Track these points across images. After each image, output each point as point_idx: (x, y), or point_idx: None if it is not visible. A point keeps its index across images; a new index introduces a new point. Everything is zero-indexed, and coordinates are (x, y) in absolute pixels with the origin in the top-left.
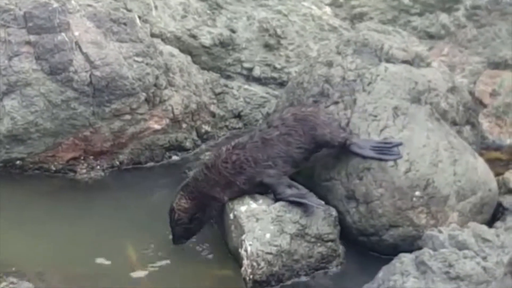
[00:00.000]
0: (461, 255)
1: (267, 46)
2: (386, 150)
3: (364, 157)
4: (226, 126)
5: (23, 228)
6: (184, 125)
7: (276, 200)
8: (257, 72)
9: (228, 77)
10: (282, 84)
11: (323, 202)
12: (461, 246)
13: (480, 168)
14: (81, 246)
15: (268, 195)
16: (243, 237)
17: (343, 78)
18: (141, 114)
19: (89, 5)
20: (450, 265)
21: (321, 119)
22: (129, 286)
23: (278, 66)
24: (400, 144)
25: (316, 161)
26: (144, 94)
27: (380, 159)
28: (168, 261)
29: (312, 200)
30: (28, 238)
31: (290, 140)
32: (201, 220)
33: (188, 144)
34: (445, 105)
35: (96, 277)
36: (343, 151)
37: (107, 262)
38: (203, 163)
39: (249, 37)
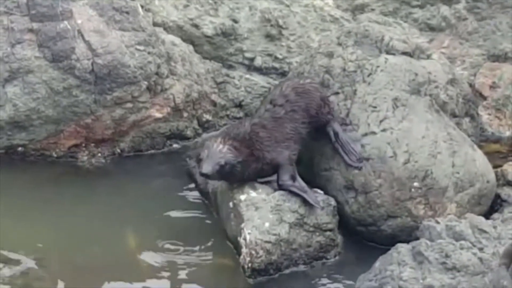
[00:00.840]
0: (458, 246)
1: (269, 37)
2: (352, 155)
3: (332, 142)
4: (227, 116)
5: (24, 214)
6: (185, 114)
7: (278, 186)
8: (258, 62)
9: (230, 67)
10: (283, 74)
11: (321, 200)
12: (458, 237)
13: (479, 160)
14: (82, 232)
15: (268, 184)
16: (242, 225)
17: (344, 69)
18: (143, 102)
19: None
20: (447, 256)
21: (319, 91)
22: (128, 273)
23: (280, 56)
24: (362, 160)
25: (315, 150)
26: (145, 82)
27: (342, 156)
28: (167, 249)
29: (311, 197)
30: (28, 224)
31: (296, 117)
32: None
33: (189, 132)
34: (445, 97)
35: (95, 263)
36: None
37: (107, 249)
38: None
39: (251, 27)
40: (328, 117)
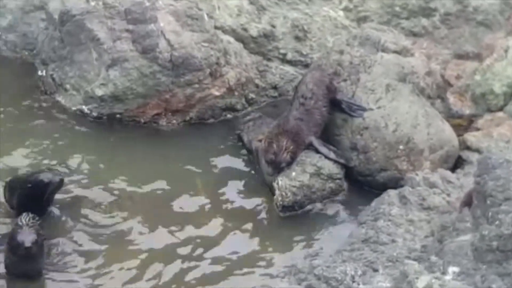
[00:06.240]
0: (432, 192)
1: (297, 38)
2: (357, 111)
3: (341, 107)
4: (266, 95)
5: (116, 164)
6: (236, 93)
7: (315, 151)
8: (289, 56)
9: (269, 60)
10: (306, 66)
11: (345, 158)
12: (432, 185)
13: (447, 130)
14: (160, 175)
15: None
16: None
17: (351, 63)
18: (206, 84)
19: (171, 4)
20: (424, 199)
21: (327, 77)
22: (194, 205)
23: (304, 53)
24: (365, 109)
25: (329, 121)
26: (208, 69)
27: (349, 114)
28: (223, 190)
29: (340, 157)
30: (123, 169)
31: (320, 103)
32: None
33: (238, 106)
34: (423, 84)
35: (165, 199)
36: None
37: (178, 188)
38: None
39: (284, 31)
40: (336, 91)
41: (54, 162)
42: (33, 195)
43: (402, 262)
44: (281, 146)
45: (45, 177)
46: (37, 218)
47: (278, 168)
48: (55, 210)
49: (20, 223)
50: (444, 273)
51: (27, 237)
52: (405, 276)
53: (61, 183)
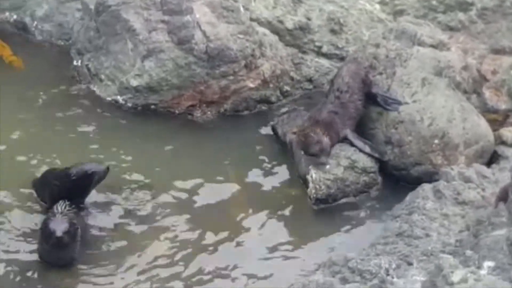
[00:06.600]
0: (467, 186)
1: (333, 31)
2: (392, 104)
3: (377, 100)
4: (301, 87)
5: (150, 154)
6: (271, 85)
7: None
8: (324, 49)
9: (304, 52)
10: (342, 59)
11: (380, 152)
12: (467, 180)
13: (482, 125)
14: (194, 166)
15: None
16: (310, 167)
17: (387, 56)
18: (241, 76)
19: None
20: (459, 193)
21: (363, 70)
22: (228, 198)
23: (340, 46)
24: (400, 103)
25: (364, 115)
26: (243, 61)
27: (385, 108)
28: (257, 182)
29: (374, 151)
30: (157, 159)
31: (355, 97)
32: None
33: (273, 99)
34: (459, 79)
35: (199, 189)
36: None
37: (211, 179)
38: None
39: (320, 24)
40: (372, 85)
41: (87, 151)
42: (76, 187)
43: (436, 256)
44: (319, 133)
45: (90, 167)
46: (73, 206)
47: (328, 153)
48: (90, 200)
49: (55, 211)
50: (479, 267)
51: (59, 226)
52: (440, 270)
53: (106, 172)
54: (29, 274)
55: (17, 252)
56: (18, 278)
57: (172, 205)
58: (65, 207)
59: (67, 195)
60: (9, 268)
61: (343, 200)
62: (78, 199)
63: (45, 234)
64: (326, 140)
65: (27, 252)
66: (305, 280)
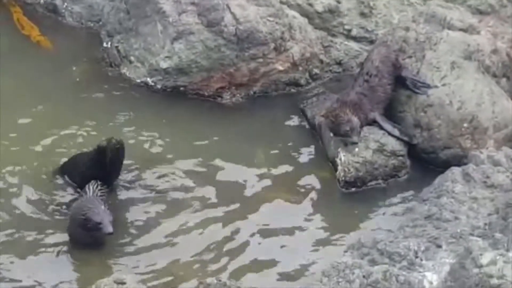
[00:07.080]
0: (496, 170)
1: (362, 14)
2: (421, 88)
3: (406, 83)
4: (330, 70)
5: (180, 136)
6: (300, 68)
7: (379, 127)
8: (354, 32)
9: (333, 35)
10: (371, 42)
11: (409, 135)
12: (496, 163)
13: None
14: (224, 147)
15: None
16: (339, 149)
17: (416, 39)
18: (270, 58)
19: None
20: (488, 177)
21: (393, 54)
22: (257, 180)
23: (369, 29)
24: (429, 86)
25: (393, 98)
26: (273, 44)
27: (414, 91)
28: (285, 164)
29: (403, 135)
30: (188, 140)
31: (384, 81)
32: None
33: (302, 81)
34: (489, 62)
35: (228, 171)
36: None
37: (240, 161)
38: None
39: (349, 7)
40: (401, 68)
41: (116, 132)
42: (110, 163)
43: (465, 239)
44: (348, 113)
45: (113, 143)
46: (105, 186)
47: (359, 132)
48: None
49: (87, 190)
50: (508, 250)
51: (105, 218)
52: (469, 253)
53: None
54: (55, 254)
55: (43, 233)
56: (46, 258)
57: (200, 188)
58: (97, 187)
59: (100, 175)
60: (38, 250)
61: (372, 183)
62: (109, 179)
63: (86, 222)
64: (355, 119)
65: (53, 233)
66: (334, 261)
